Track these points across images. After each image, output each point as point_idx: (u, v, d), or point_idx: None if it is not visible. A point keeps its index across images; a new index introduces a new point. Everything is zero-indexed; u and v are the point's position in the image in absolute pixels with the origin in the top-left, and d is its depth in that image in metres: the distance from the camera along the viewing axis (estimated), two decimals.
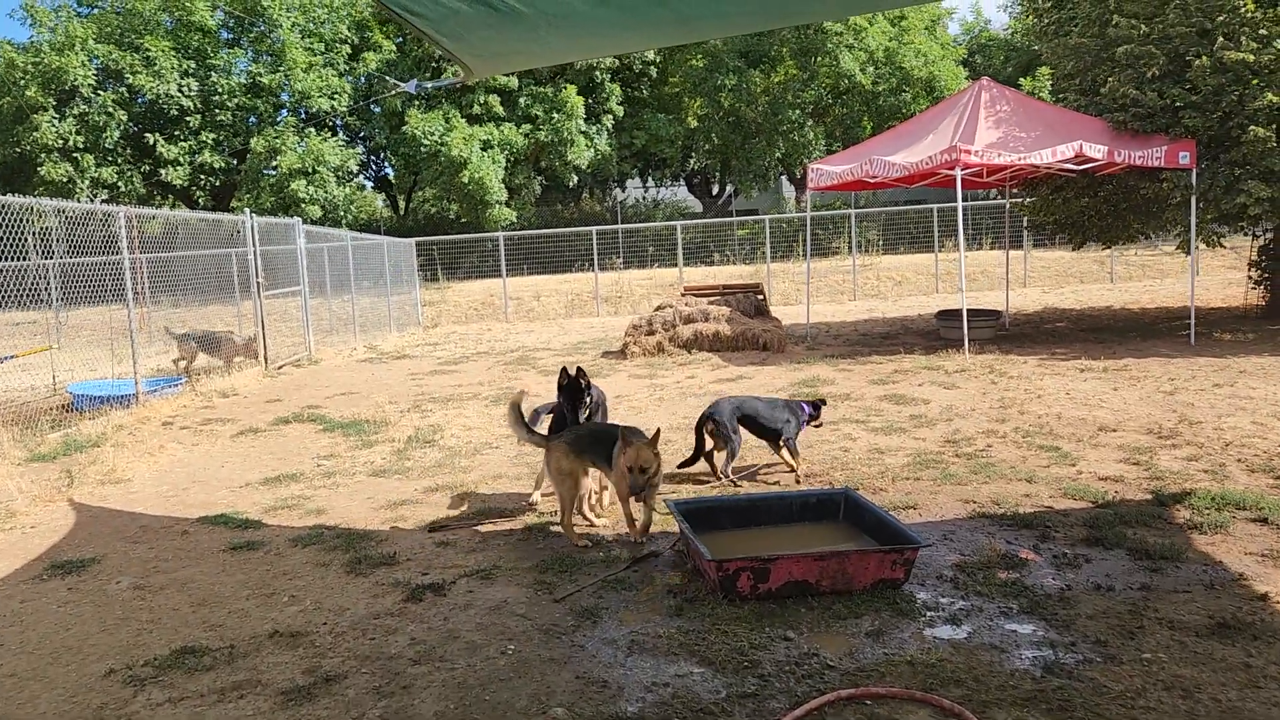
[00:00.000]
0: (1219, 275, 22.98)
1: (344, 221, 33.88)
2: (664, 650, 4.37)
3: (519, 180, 37.67)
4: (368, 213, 43.53)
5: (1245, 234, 15.93)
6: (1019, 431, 8.47)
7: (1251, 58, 12.46)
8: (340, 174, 34.73)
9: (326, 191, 33.50)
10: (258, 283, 15.13)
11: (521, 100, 36.81)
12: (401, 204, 47.00)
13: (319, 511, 6.98)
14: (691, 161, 47.56)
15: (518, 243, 29.99)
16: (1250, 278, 15.95)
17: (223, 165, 35.52)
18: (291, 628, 4.79)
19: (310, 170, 32.90)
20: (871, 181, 15.10)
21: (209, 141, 35.11)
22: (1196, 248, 13.81)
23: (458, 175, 33.91)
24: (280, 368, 15.66)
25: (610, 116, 39.11)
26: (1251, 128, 12.37)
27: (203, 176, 35.71)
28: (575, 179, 40.03)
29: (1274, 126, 12.43)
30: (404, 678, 4.20)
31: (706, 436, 7.33)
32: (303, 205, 32.05)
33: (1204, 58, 12.76)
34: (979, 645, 4.29)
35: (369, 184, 48.60)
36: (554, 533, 6.23)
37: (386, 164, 42.47)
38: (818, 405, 7.81)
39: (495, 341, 19.50)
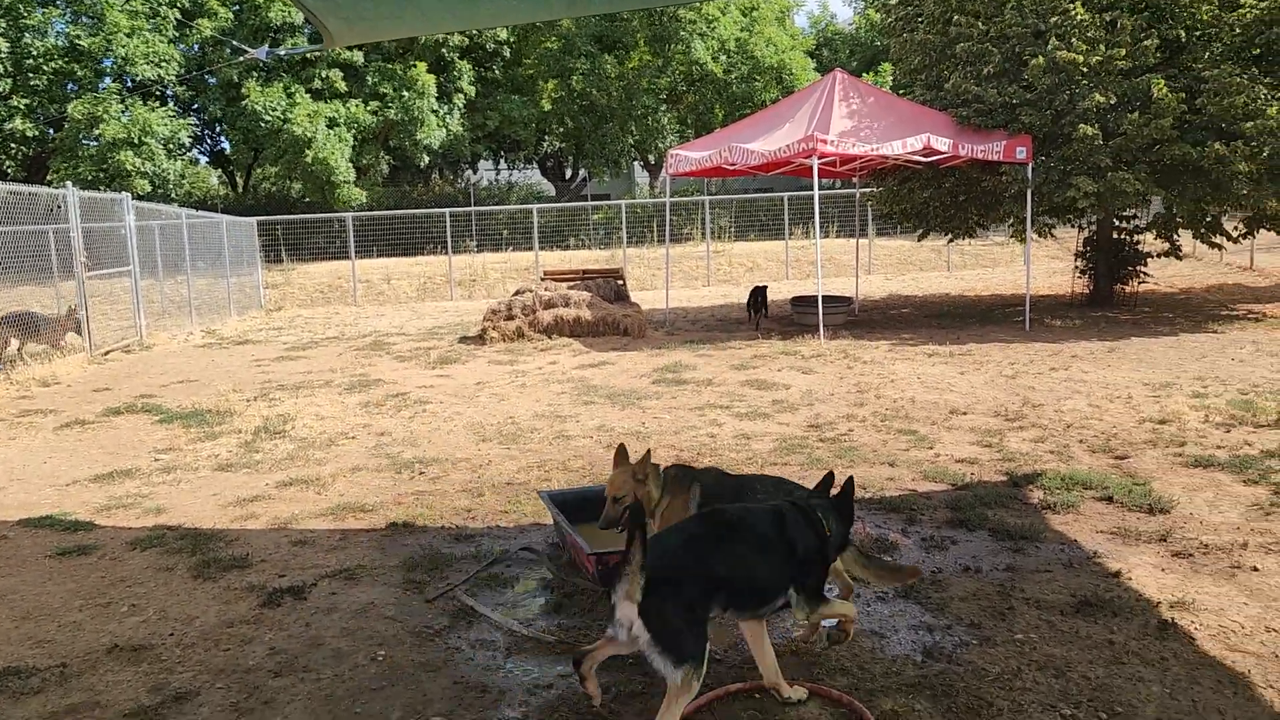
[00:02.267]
0: (1045, 264, 24.43)
1: (176, 198, 31.81)
2: (545, 651, 4.21)
3: (367, 160, 36.31)
4: (203, 189, 41.13)
5: (1071, 226, 16.96)
6: (877, 415, 8.69)
7: (1081, 59, 13.20)
8: (171, 147, 32.54)
9: (156, 165, 31.29)
10: (81, 262, 13.96)
11: (369, 77, 35.45)
12: (240, 181, 44.61)
13: (159, 510, 6.44)
14: (545, 144, 47.08)
15: (367, 224, 28.93)
16: (1076, 267, 17.00)
17: (37, 134, 32.73)
18: (133, 641, 4.36)
19: (137, 141, 30.66)
20: (730, 169, 15.24)
21: (20, 108, 32.27)
22: (1031, 238, 14.58)
23: (302, 154, 32.37)
24: (108, 354, 14.53)
25: (462, 96, 38.18)
26: (1081, 126, 13.12)
27: (13, 145, 32.81)
28: (426, 159, 38.93)
29: (1099, 125, 13.22)
30: (264, 691, 3.88)
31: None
32: (129, 179, 29.86)
33: (1039, 57, 13.44)
34: (860, 632, 4.31)
35: (204, 159, 45.94)
36: (420, 527, 5.95)
37: (223, 138, 40.15)
38: None
39: (345, 326, 18.74)
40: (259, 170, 42.36)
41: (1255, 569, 4.82)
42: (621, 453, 4.68)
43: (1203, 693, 3.68)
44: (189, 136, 34.20)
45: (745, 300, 16.56)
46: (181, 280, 19.37)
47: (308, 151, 32.34)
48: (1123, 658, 3.97)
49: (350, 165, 34.26)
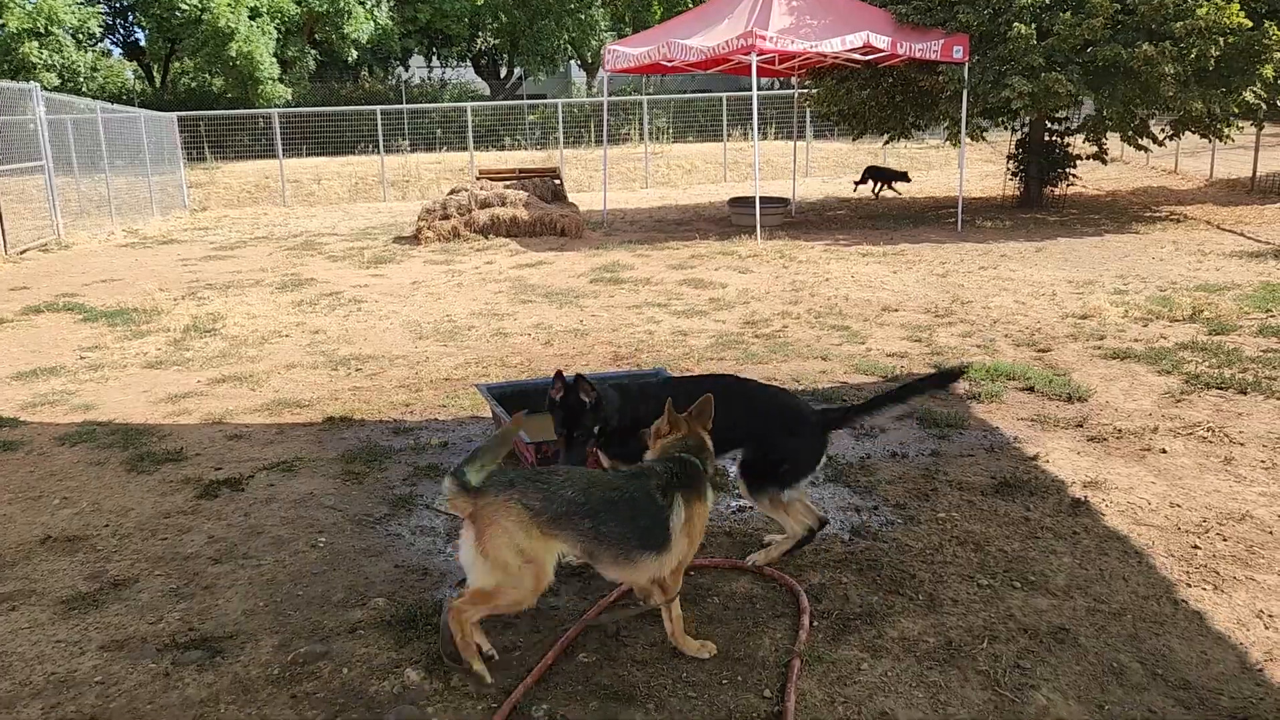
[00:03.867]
0: (978, 168, 24.65)
1: (88, 93, 30.27)
2: None
3: (292, 54, 34.82)
4: (116, 84, 39.13)
5: (1004, 129, 17.09)
6: (811, 313, 8.82)
7: None
8: (80, 37, 30.82)
9: (64, 56, 29.70)
10: None
11: None
12: (157, 75, 42.51)
13: (87, 407, 6.33)
14: (479, 41, 45.59)
15: (294, 121, 27.88)
16: (1008, 169, 17.21)
17: None
18: (66, 532, 4.34)
19: (43, 31, 28.98)
20: (668, 65, 14.99)
21: None
22: (965, 141, 14.68)
23: (224, 47, 30.88)
24: (24, 253, 13.98)
25: None
26: (1016, 25, 13.13)
27: None
28: (354, 55, 37.47)
29: (1034, 25, 13.24)
30: (204, 577, 3.91)
31: None
32: (35, 72, 28.31)
33: None
34: None
35: (117, 51, 43.64)
36: (357, 421, 5.95)
37: (137, 28, 38.12)
38: None
39: (274, 226, 18.24)
40: (177, 64, 40.40)
41: (1164, 451, 5.07)
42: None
43: (1109, 562, 3.91)
44: (99, 26, 32.42)
45: (686, 203, 16.60)
46: (99, 179, 18.55)
47: (230, 44, 30.89)
48: (1037, 533, 4.19)
49: (274, 60, 32.86)
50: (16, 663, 3.29)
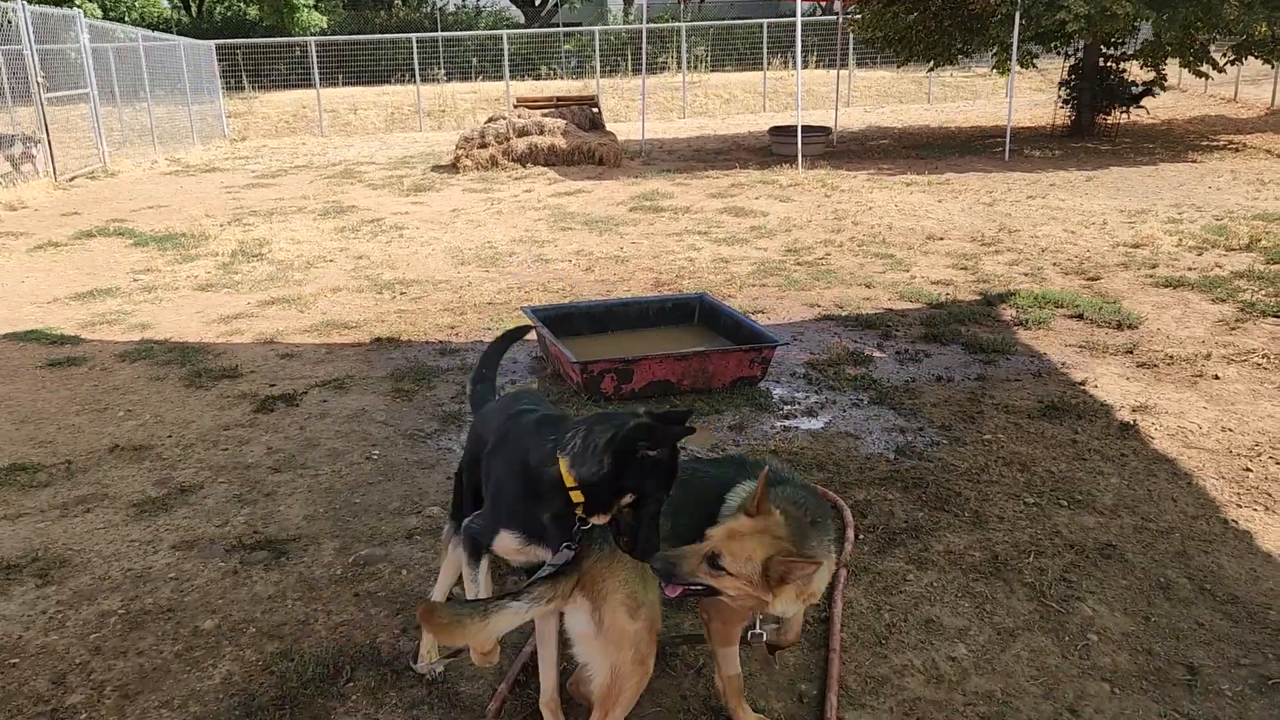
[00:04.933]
0: (1026, 97, 24.02)
1: (129, 20, 30.24)
2: None
3: None
4: (153, 12, 39.03)
5: (1056, 54, 16.59)
6: (854, 241, 8.74)
7: None
8: None
9: None
10: (37, 83, 13.39)
11: None
12: (193, 4, 42.33)
13: (144, 326, 6.47)
14: None
15: (330, 50, 27.74)
16: (1060, 97, 16.74)
17: None
18: (133, 442, 4.49)
19: None
20: None
21: None
22: (1014, 69, 14.29)
23: None
24: (73, 179, 14.15)
25: None
26: None
27: None
28: None
29: None
30: (265, 485, 4.04)
31: None
32: (77, 1, 28.30)
33: None
34: (836, 434, 4.51)
35: None
36: (404, 342, 6.03)
37: None
38: None
39: (313, 155, 18.28)
40: None
41: (1216, 377, 5.03)
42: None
43: (1158, 483, 3.91)
44: None
45: (725, 133, 16.35)
46: (141, 108, 18.64)
47: None
48: (1085, 455, 4.19)
49: None
50: (95, 559, 3.44)
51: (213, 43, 24.12)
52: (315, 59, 24.47)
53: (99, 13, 29.04)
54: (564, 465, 2.25)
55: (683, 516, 2.48)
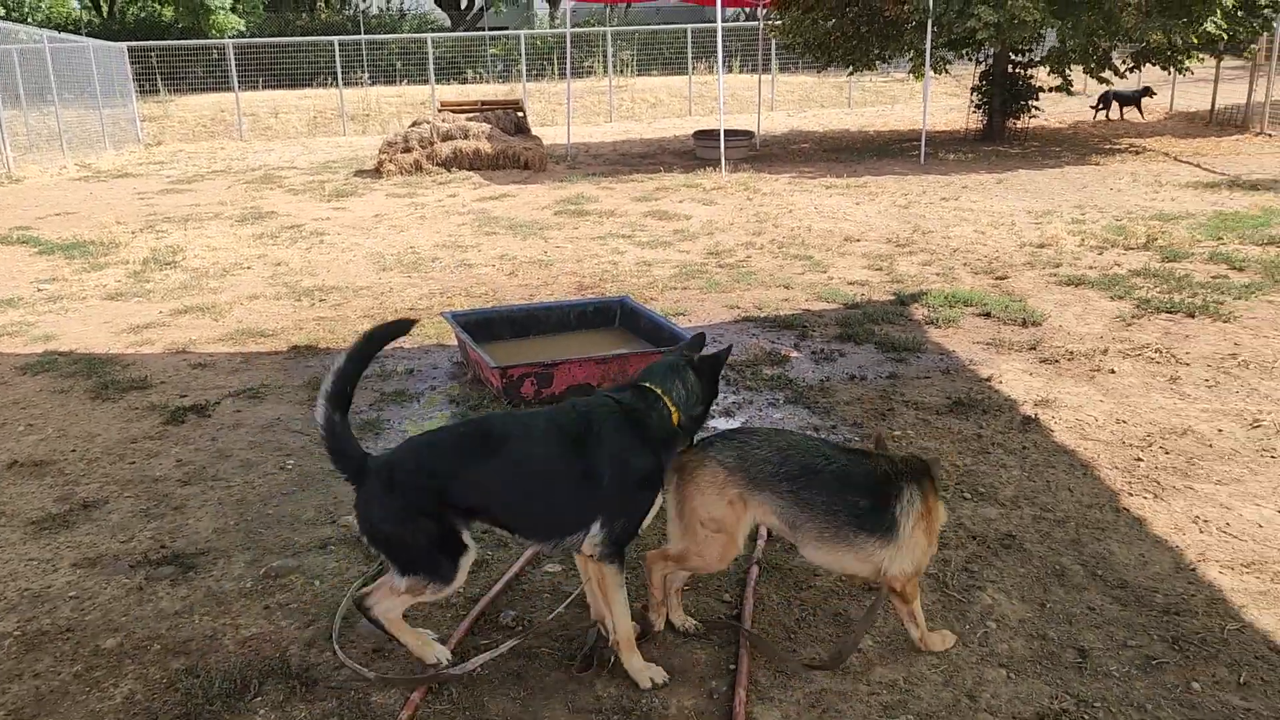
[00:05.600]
0: (942, 102, 24.63)
1: (31, 21, 29.21)
2: None
3: None
4: (62, 14, 37.79)
5: (968, 61, 17.07)
6: (774, 243, 8.88)
7: None
8: None
9: None
10: None
11: None
12: (104, 5, 41.06)
13: (48, 338, 6.28)
14: None
15: (249, 52, 27.17)
16: (972, 102, 17.22)
17: None
18: (33, 457, 4.36)
19: None
20: None
21: None
22: (929, 75, 14.65)
23: None
24: None
25: None
26: None
27: None
28: None
29: None
30: (174, 499, 3.96)
31: None
32: None
33: None
34: None
35: None
36: (323, 349, 5.96)
37: None
38: None
39: (232, 160, 17.90)
40: None
41: (1112, 371, 5.24)
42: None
43: (1056, 474, 4.07)
44: None
45: (651, 136, 16.45)
46: (49, 111, 18.04)
47: None
48: (989, 448, 4.33)
49: None
50: None
51: (124, 45, 23.47)
52: (234, 62, 23.96)
53: (1, 11, 28.00)
54: (676, 417, 2.78)
55: None
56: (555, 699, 2.74)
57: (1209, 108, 17.98)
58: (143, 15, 38.84)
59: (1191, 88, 19.93)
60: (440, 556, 2.67)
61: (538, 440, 2.76)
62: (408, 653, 2.85)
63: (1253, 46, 15.00)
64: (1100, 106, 19.31)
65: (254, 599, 3.24)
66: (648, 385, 2.85)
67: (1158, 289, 6.76)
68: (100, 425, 4.75)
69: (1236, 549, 3.45)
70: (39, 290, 7.66)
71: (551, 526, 2.77)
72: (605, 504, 2.71)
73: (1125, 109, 19.21)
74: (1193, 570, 3.32)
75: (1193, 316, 6.12)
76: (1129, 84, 18.96)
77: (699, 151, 15.82)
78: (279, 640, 3.01)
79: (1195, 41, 13.47)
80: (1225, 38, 13.63)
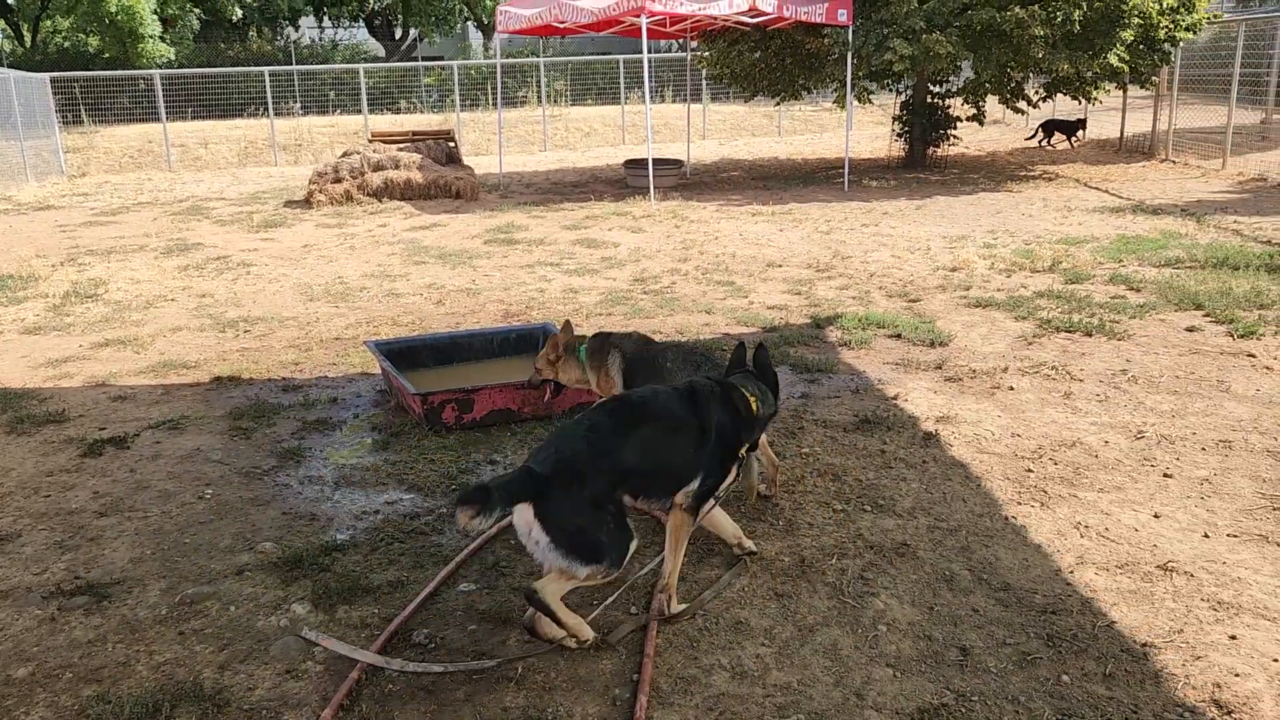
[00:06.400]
0: (869, 130, 25.31)
1: None
2: (372, 482, 4.45)
3: (173, 11, 33.37)
4: None
5: (890, 91, 17.64)
6: (699, 269, 9.10)
7: None
8: None
9: None
10: None
11: None
12: (27, 34, 40.25)
13: None
14: (371, 1, 44.46)
15: (178, 83, 26.85)
16: (894, 131, 17.77)
17: None
18: None
19: None
20: (560, 27, 15.01)
21: None
22: (852, 102, 15.12)
23: (101, 3, 29.32)
24: None
25: None
26: None
27: None
28: (240, 13, 36.15)
29: None
30: (90, 530, 3.98)
31: None
32: None
33: None
34: None
35: None
36: (246, 380, 5.99)
37: None
38: None
39: (159, 191, 17.69)
40: (48, 22, 38.34)
41: (1011, 388, 5.50)
42: (564, 328, 4.63)
43: (952, 486, 4.28)
44: None
45: (584, 165, 16.64)
46: None
47: (107, 1, 29.35)
48: (891, 463, 4.54)
49: (155, 18, 31.43)
50: None
51: (46, 76, 23.07)
52: (161, 92, 23.67)
53: None
54: (755, 405, 3.42)
55: None
56: (465, 711, 2.84)
57: (1119, 135, 18.77)
58: (67, 44, 38.16)
59: (1103, 116, 20.77)
60: (619, 537, 3.02)
61: (669, 407, 3.28)
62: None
63: (1154, 78, 15.72)
64: (1040, 135, 19.60)
65: (169, 625, 3.28)
66: (728, 381, 3.50)
67: (1059, 309, 7.09)
68: (15, 459, 4.73)
69: (1113, 551, 3.68)
70: None
71: (674, 483, 3.26)
72: (707, 461, 3.27)
73: (1064, 138, 19.59)
74: (1071, 572, 3.54)
75: (1090, 335, 6.45)
76: (1068, 114, 19.86)
77: (630, 180, 16.06)
78: (193, 664, 3.07)
79: (1099, 72, 14.12)
80: (1127, 70, 14.30)
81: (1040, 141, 19.53)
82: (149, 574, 3.62)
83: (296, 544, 3.84)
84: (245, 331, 7.22)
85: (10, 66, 25.69)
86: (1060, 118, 19.97)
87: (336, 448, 4.87)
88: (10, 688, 2.95)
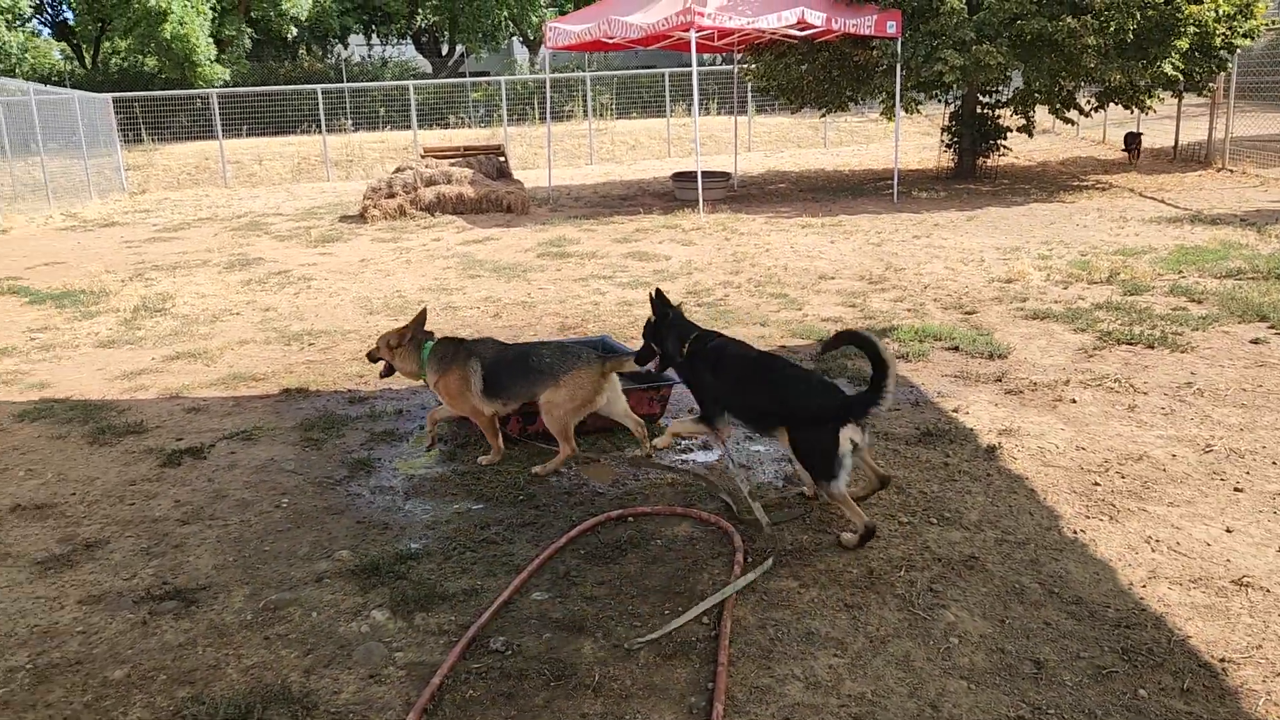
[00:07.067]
0: (916, 140, 25.20)
1: (19, 74, 29.49)
2: (441, 492, 4.54)
3: (228, 33, 34.17)
4: (46, 65, 38.12)
5: (939, 101, 17.56)
6: (752, 282, 9.14)
7: None
8: (9, 17, 29.94)
9: None
10: None
11: None
12: (88, 56, 41.47)
13: (42, 385, 6.43)
14: (419, 18, 45.17)
15: (233, 101, 27.52)
16: (942, 142, 17.68)
17: None
18: (35, 501, 4.50)
19: None
20: (609, 42, 15.15)
21: None
22: (900, 115, 15.08)
23: (157, 27, 30.15)
24: None
25: None
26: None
27: None
28: (294, 32, 36.92)
29: (965, 0, 13.65)
30: (174, 538, 4.11)
31: None
32: None
33: None
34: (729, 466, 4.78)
35: (45, 31, 42.50)
36: (313, 392, 6.13)
37: (65, 7, 37.18)
38: None
39: (218, 207, 18.12)
40: (108, 44, 39.46)
41: (1073, 401, 5.47)
42: (419, 315, 5.04)
43: (1017, 499, 4.27)
44: (29, 5, 31.53)
45: (630, 178, 16.74)
46: (34, 161, 18.25)
47: (164, 25, 30.17)
48: (954, 476, 4.54)
49: (210, 41, 32.20)
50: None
51: (109, 96, 23.74)
52: (218, 111, 24.26)
53: None
54: None
55: None
56: (544, 716, 2.90)
57: (1173, 144, 18.50)
58: (126, 65, 39.22)
59: (1156, 125, 20.49)
60: None
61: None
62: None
63: (1211, 85, 15.49)
64: (1129, 149, 18.34)
65: (254, 630, 3.39)
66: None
67: (1119, 321, 7.03)
68: (99, 469, 4.90)
69: (1185, 566, 3.65)
70: (32, 339, 7.81)
71: None
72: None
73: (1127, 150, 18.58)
74: (1144, 587, 3.52)
75: (1152, 347, 6.38)
76: (1118, 124, 19.08)
77: (678, 193, 16.15)
78: (280, 668, 3.17)
79: (1153, 81, 13.94)
80: (1182, 78, 14.11)
81: (1129, 155, 18.33)
82: (232, 580, 3.74)
83: (372, 552, 3.93)
84: (310, 344, 7.39)
85: (73, 88, 26.46)
86: (1133, 129, 18.92)
87: (405, 458, 4.98)
88: (108, 689, 3.07)
